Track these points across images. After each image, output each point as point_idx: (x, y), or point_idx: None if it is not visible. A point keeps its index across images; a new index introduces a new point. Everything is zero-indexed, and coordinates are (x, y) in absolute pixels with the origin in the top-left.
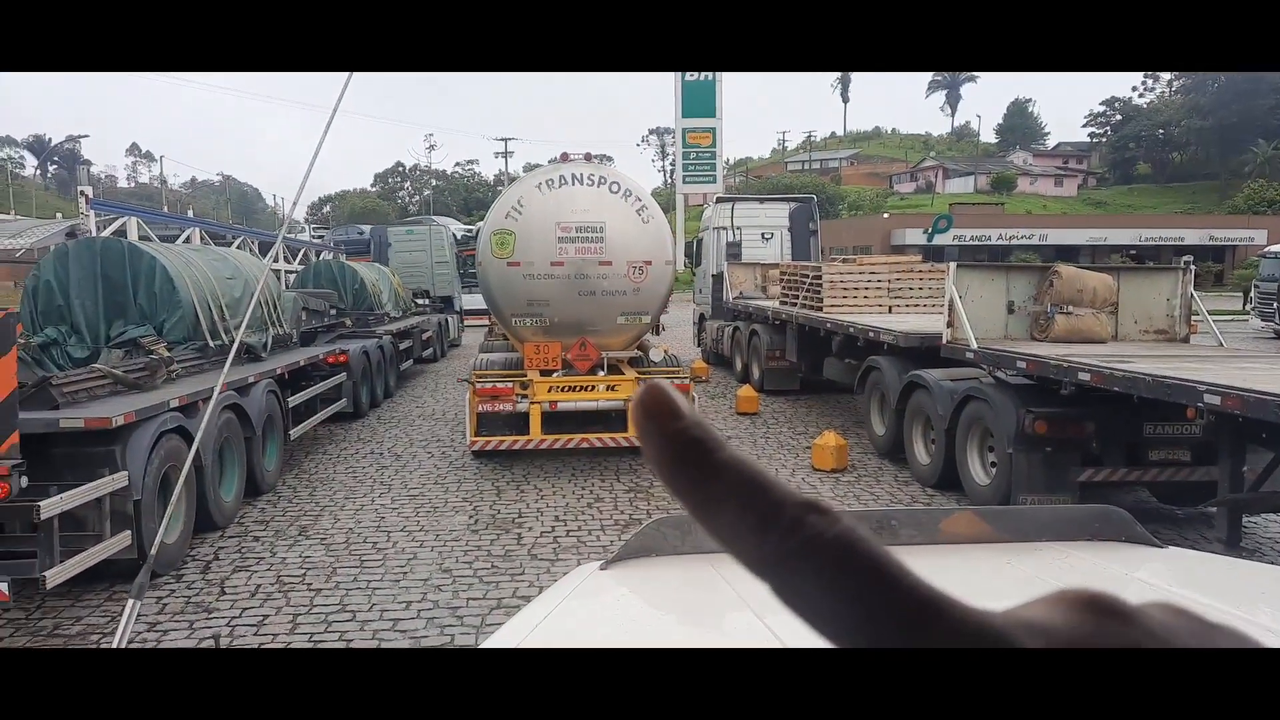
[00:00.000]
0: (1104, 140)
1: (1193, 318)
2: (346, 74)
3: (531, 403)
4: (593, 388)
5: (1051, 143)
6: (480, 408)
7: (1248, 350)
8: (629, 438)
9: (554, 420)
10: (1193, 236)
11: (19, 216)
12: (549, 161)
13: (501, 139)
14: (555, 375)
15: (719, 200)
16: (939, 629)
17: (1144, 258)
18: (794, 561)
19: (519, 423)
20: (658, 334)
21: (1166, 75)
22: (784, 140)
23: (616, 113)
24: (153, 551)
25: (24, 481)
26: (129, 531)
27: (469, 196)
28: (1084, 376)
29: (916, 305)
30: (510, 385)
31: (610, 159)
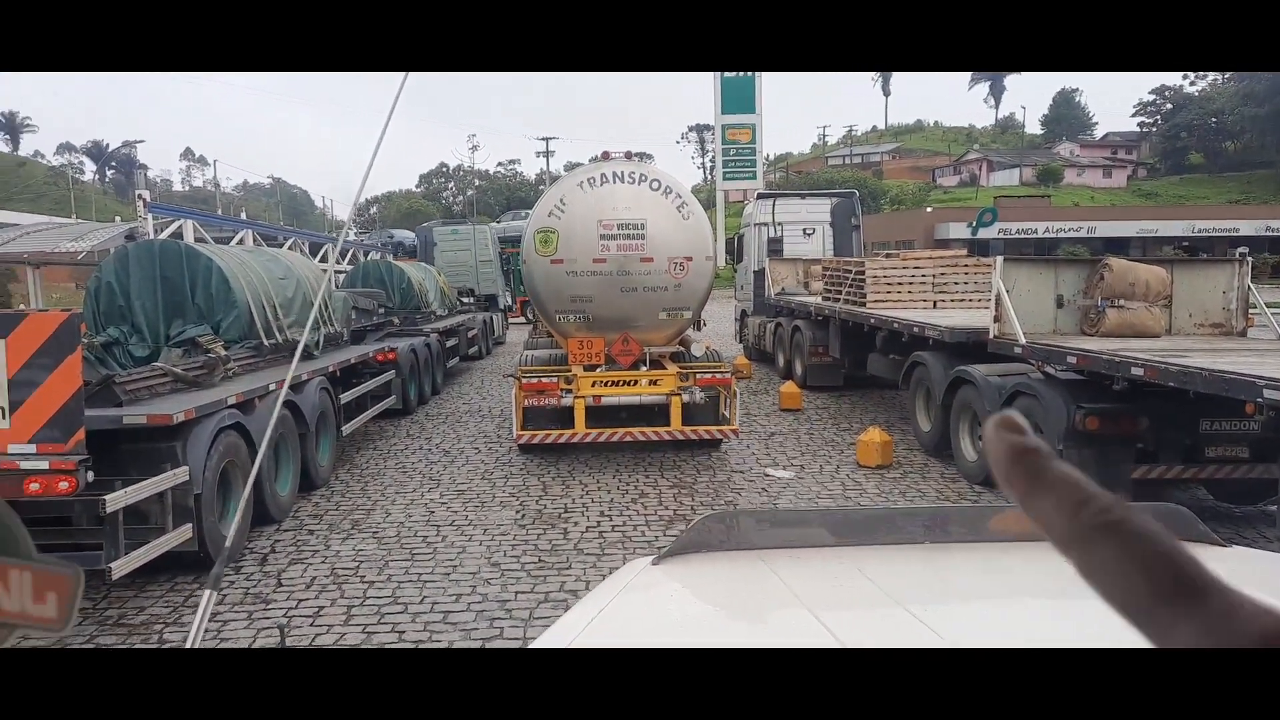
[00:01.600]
0: (1154, 130)
1: (1250, 310)
2: (402, 75)
3: (576, 397)
4: (636, 382)
5: (1099, 133)
6: (526, 402)
7: None
8: (671, 432)
9: (598, 414)
10: (1248, 227)
11: (80, 220)
12: (590, 160)
13: (543, 138)
14: (599, 370)
15: (760, 196)
16: (1211, 604)
17: (1197, 249)
18: (1097, 537)
19: (564, 417)
20: (699, 329)
21: None
22: (824, 135)
23: (656, 110)
24: (228, 544)
25: (90, 476)
26: (190, 524)
27: (511, 196)
28: (1137, 371)
29: (961, 300)
30: (555, 380)
31: (650, 156)
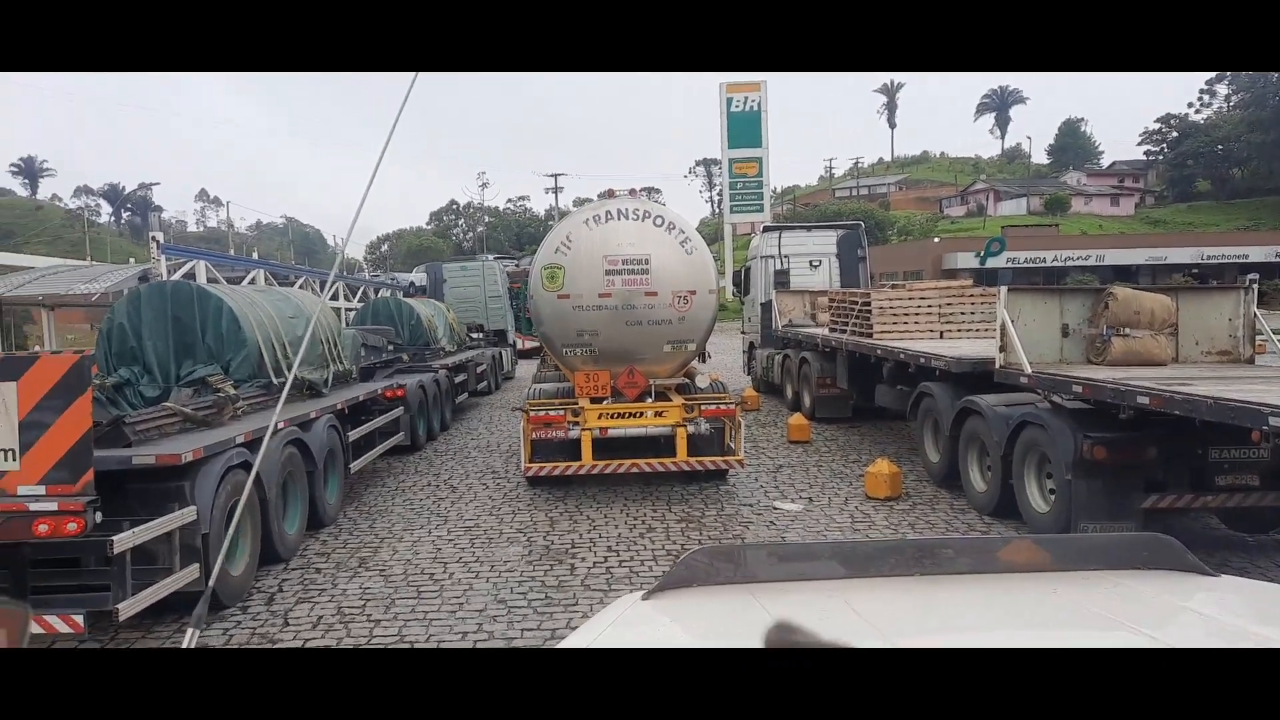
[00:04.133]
0: (1160, 158)
1: (1258, 338)
2: (411, 75)
3: (583, 429)
4: (641, 414)
5: (1106, 162)
6: (534, 435)
7: None
8: (678, 462)
9: (604, 446)
10: (1258, 253)
11: (94, 263)
12: (597, 196)
13: (551, 175)
14: (605, 403)
15: (766, 229)
16: None
17: (1207, 276)
18: None
19: (571, 449)
20: (704, 361)
21: (1223, 90)
22: (831, 167)
23: (663, 144)
24: (211, 582)
25: (98, 517)
26: (197, 564)
27: (521, 232)
28: (1143, 400)
29: (969, 330)
30: (562, 413)
31: (658, 191)
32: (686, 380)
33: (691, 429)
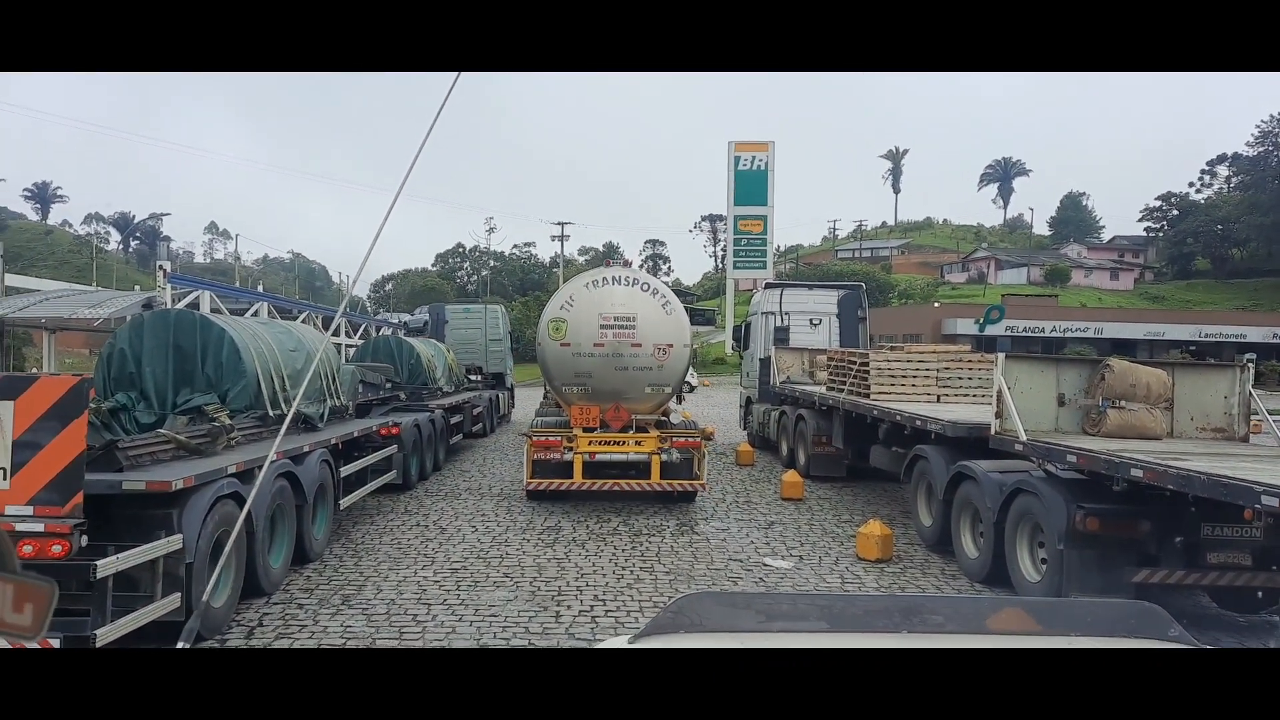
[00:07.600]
0: (1160, 235)
1: (1253, 417)
2: (454, 75)
3: (575, 453)
4: (624, 443)
5: (1106, 236)
6: (535, 456)
7: None
8: (651, 483)
9: (593, 469)
10: (1255, 333)
11: (99, 288)
12: (602, 247)
13: (558, 223)
14: (595, 432)
15: (768, 286)
16: None
17: (1203, 354)
18: None
19: (565, 470)
20: (679, 402)
21: (1224, 171)
22: (835, 229)
23: (669, 199)
24: (204, 598)
25: (84, 541)
26: (179, 594)
27: (525, 277)
28: (1137, 473)
29: (966, 395)
30: (559, 439)
31: (663, 244)
32: (663, 417)
33: (664, 457)
